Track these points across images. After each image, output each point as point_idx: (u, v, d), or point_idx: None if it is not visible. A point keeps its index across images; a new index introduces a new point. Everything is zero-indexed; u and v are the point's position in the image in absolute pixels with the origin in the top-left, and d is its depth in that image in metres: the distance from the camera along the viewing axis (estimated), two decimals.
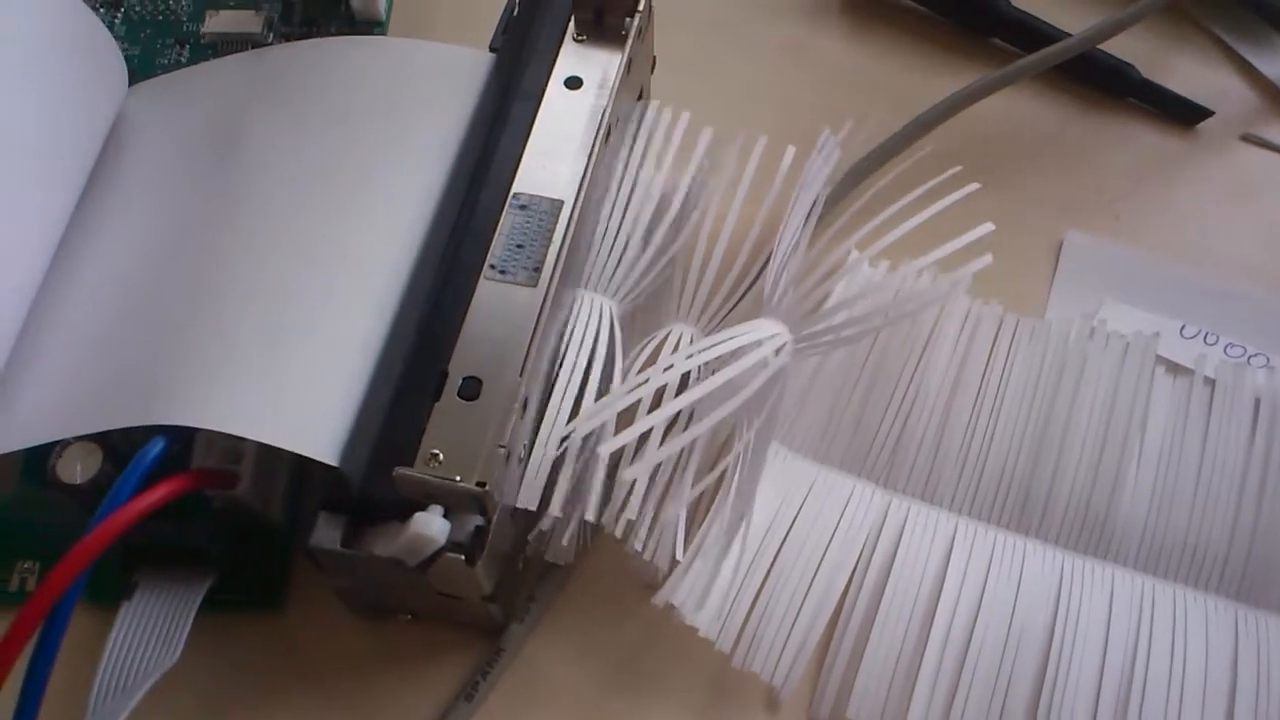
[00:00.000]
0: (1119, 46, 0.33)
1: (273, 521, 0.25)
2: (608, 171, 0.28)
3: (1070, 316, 0.30)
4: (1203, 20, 0.36)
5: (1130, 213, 0.33)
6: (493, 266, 0.24)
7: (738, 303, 0.27)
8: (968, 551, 0.27)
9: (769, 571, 0.27)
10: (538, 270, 0.24)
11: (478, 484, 0.21)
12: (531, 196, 0.25)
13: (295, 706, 0.26)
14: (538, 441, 0.24)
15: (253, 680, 0.26)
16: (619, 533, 0.24)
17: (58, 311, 0.26)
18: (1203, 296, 0.31)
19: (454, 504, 0.22)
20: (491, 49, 0.29)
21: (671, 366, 0.24)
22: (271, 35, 0.34)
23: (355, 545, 0.22)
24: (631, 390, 0.24)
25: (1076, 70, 0.34)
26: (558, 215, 0.25)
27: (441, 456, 0.22)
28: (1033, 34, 0.34)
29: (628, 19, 0.28)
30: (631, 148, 0.29)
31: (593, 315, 0.26)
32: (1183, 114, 0.34)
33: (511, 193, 0.26)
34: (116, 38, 0.33)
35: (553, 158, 0.26)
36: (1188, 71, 0.35)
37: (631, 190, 0.28)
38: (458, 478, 0.21)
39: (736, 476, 0.25)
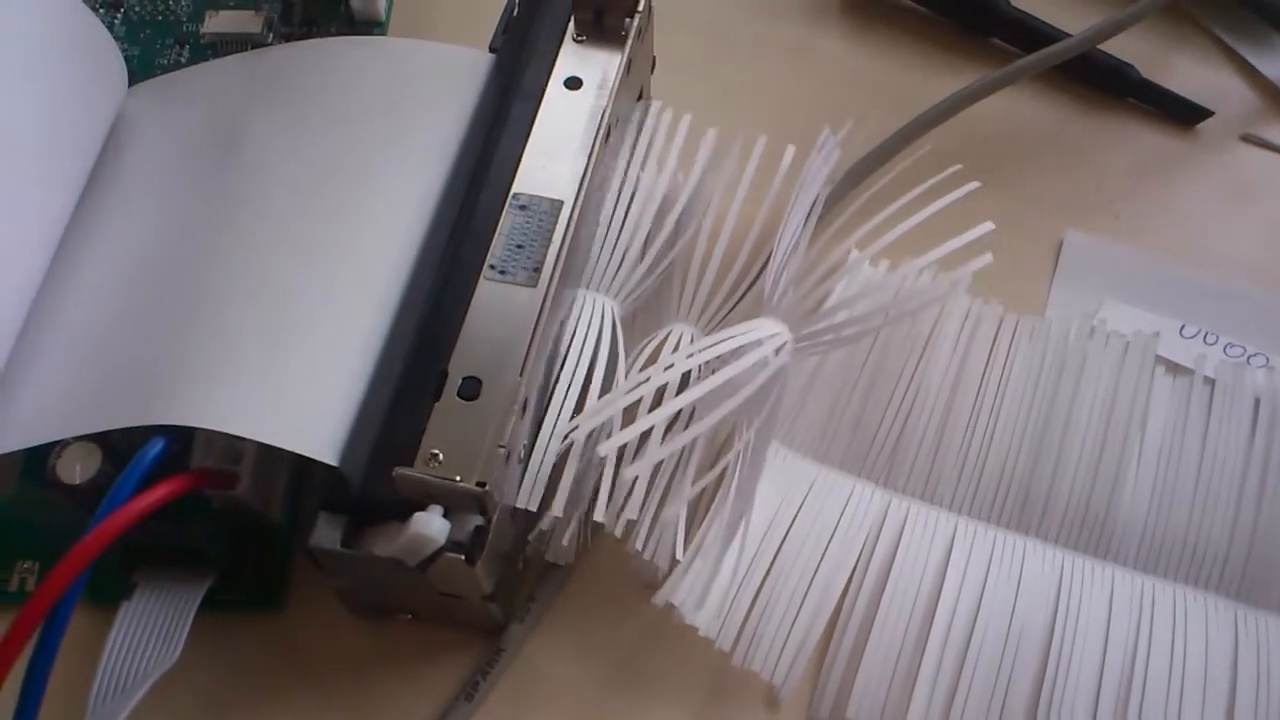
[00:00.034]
0: (1119, 46, 0.33)
1: (273, 521, 0.25)
2: (608, 172, 0.28)
3: (1070, 316, 0.30)
4: (1203, 20, 0.36)
5: (1130, 213, 0.33)
6: (492, 267, 0.24)
7: (738, 302, 0.27)
8: (968, 551, 0.27)
9: (769, 571, 0.27)
10: (537, 270, 0.24)
11: (478, 484, 0.21)
12: (531, 197, 0.25)
13: (295, 706, 0.26)
14: (538, 441, 0.24)
15: (253, 680, 0.26)
16: (619, 532, 0.24)
17: (57, 311, 0.26)
18: (1203, 296, 0.31)
19: (454, 504, 0.22)
20: (491, 49, 0.29)
21: (672, 366, 0.24)
22: (271, 35, 0.34)
23: (355, 545, 0.22)
24: (632, 389, 0.24)
25: (1076, 70, 0.34)
26: (558, 215, 0.25)
27: (441, 456, 0.22)
28: (1033, 34, 0.34)
29: (627, 19, 0.28)
30: (633, 148, 0.29)
31: (594, 315, 0.26)
32: (1183, 114, 0.34)
33: (511, 193, 0.26)
34: (116, 38, 0.33)
35: (553, 158, 0.26)
36: (1188, 71, 0.35)
37: (633, 191, 0.28)
38: (458, 478, 0.21)
39: (736, 476, 0.25)
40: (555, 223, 0.25)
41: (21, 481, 0.28)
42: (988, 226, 0.24)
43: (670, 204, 0.28)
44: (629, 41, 0.28)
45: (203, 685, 0.26)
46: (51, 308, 0.26)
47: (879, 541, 0.27)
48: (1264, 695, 0.25)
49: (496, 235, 0.25)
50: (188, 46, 0.34)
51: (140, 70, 0.33)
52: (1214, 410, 0.29)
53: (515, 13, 0.29)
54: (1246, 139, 0.34)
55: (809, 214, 0.27)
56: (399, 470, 0.21)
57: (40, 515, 0.27)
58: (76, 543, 0.20)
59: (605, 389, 0.25)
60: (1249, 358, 0.30)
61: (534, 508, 0.24)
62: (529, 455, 0.24)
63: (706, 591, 0.25)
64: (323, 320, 0.24)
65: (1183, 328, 0.31)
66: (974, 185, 0.26)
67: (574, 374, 0.25)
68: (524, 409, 0.23)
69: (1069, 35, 0.33)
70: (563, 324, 0.26)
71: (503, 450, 0.22)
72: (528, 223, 0.25)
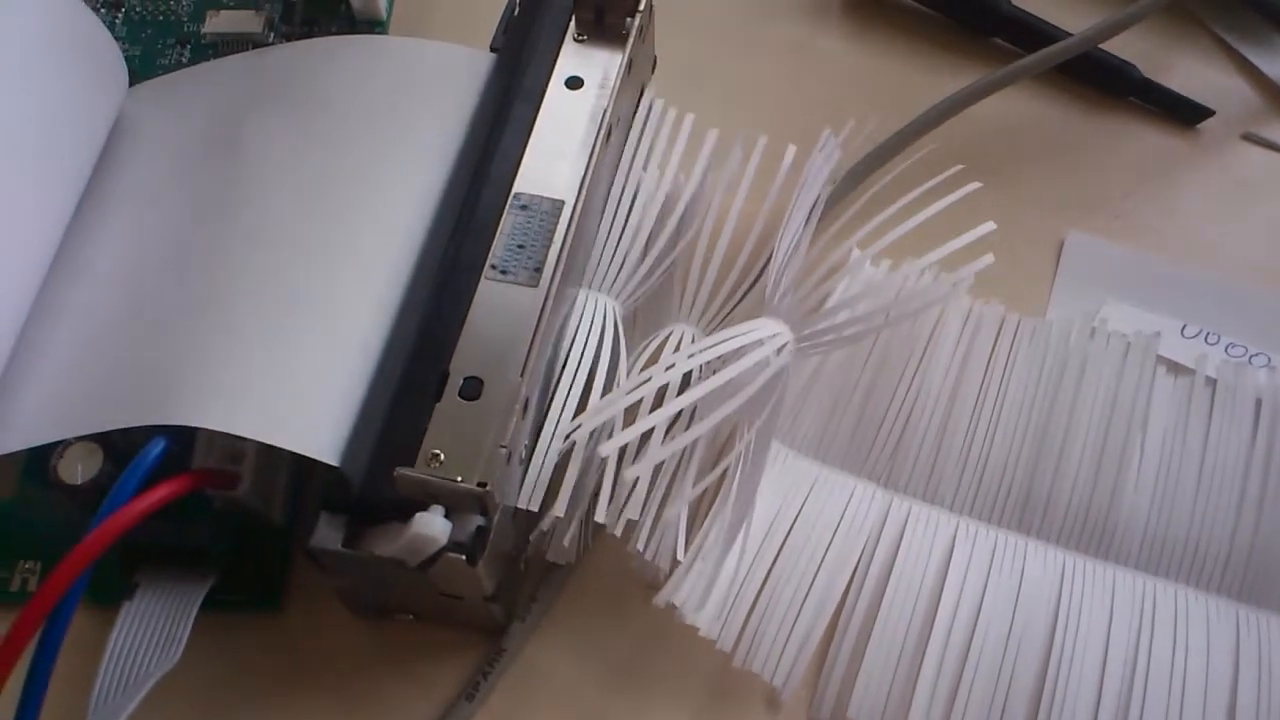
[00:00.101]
0: (1120, 46, 0.33)
1: (273, 522, 0.25)
2: (609, 172, 0.28)
3: (1071, 316, 0.30)
4: (1204, 20, 0.36)
5: (1131, 213, 0.33)
6: (494, 267, 0.24)
7: (739, 302, 0.27)
8: (969, 551, 0.27)
9: (770, 571, 0.27)
10: (539, 270, 0.24)
11: (479, 484, 0.21)
12: (532, 197, 0.25)
13: (295, 707, 0.26)
14: (539, 441, 0.24)
15: (253, 680, 0.26)
16: (620, 532, 0.24)
17: (58, 312, 0.26)
18: (1204, 296, 0.31)
19: (455, 504, 0.22)
20: (492, 49, 0.29)
21: (673, 366, 0.24)
22: (272, 35, 0.34)
23: (356, 545, 0.22)
24: (633, 390, 0.24)
25: (1077, 70, 0.34)
26: (559, 215, 0.25)
27: (442, 457, 0.22)
28: (1033, 34, 0.34)
29: (628, 19, 0.28)
30: (635, 148, 0.29)
31: (595, 315, 0.26)
32: (1184, 113, 0.34)
33: (512, 193, 0.26)
34: (117, 38, 0.33)
35: (554, 158, 0.26)
36: (1189, 71, 0.35)
37: (635, 191, 0.28)
38: (459, 478, 0.21)
39: (737, 476, 0.25)
40: (556, 223, 0.25)
41: (23, 482, 0.28)
42: (989, 227, 0.24)
43: (672, 204, 0.28)
44: (630, 41, 0.28)
45: (204, 685, 0.26)
46: (52, 308, 0.26)
47: (880, 542, 0.27)
48: (1265, 696, 0.25)
49: (498, 235, 0.25)
50: (189, 46, 0.34)
51: (141, 70, 0.33)
52: (1215, 410, 0.29)
53: (516, 12, 0.29)
54: (1248, 138, 0.34)
55: (810, 214, 0.27)
56: (400, 470, 0.21)
57: (42, 515, 0.27)
58: (78, 543, 0.20)
59: (607, 389, 0.25)
60: (1250, 358, 0.30)
61: (535, 508, 0.24)
62: (530, 455, 0.24)
63: (707, 592, 0.25)
64: (323, 320, 0.24)
65: (1184, 328, 0.31)
66: (975, 185, 0.26)
67: (575, 374, 0.25)
68: (525, 409, 0.23)
69: (1070, 35, 0.33)
70: (564, 324, 0.26)
71: (504, 450, 0.22)
72: (529, 222, 0.25)
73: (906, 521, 0.28)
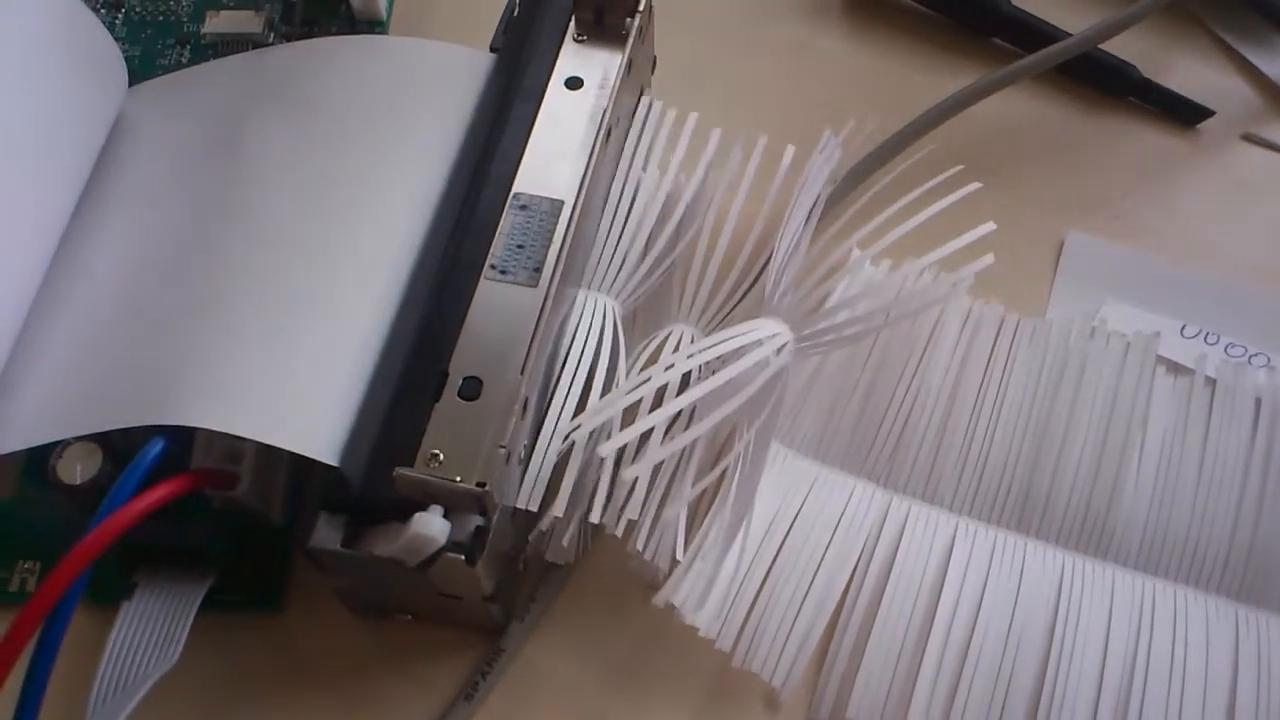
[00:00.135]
0: (1119, 46, 0.33)
1: (272, 522, 0.25)
2: (609, 172, 0.28)
3: (1071, 316, 0.30)
4: (1204, 20, 0.36)
5: (1131, 213, 0.33)
6: (493, 267, 0.24)
7: (739, 302, 0.27)
8: (968, 551, 0.27)
9: (769, 571, 0.27)
10: (538, 270, 0.24)
11: (478, 484, 0.21)
12: (532, 197, 0.25)
13: (295, 707, 0.26)
14: (539, 441, 0.24)
15: (253, 680, 0.26)
16: (619, 532, 0.24)
17: (58, 312, 0.26)
18: (1203, 296, 0.31)
19: (454, 504, 0.22)
20: (492, 49, 0.29)
21: (672, 366, 0.24)
22: (272, 35, 0.34)
23: (355, 545, 0.22)
24: (633, 390, 0.24)
25: (1077, 70, 0.34)
26: (558, 215, 0.25)
27: (441, 457, 0.22)
28: (1033, 34, 0.34)
29: (628, 19, 0.28)
30: (636, 148, 0.29)
31: (595, 315, 0.26)
32: (1183, 114, 0.34)
33: (512, 193, 0.26)
34: (117, 38, 0.33)
35: (553, 158, 0.26)
36: (1188, 71, 0.35)
37: (635, 191, 0.28)
38: (458, 478, 0.21)
39: (737, 476, 0.25)
40: (556, 223, 0.25)
41: (22, 482, 0.28)
42: (989, 227, 0.24)
43: (671, 204, 0.28)
44: (630, 41, 0.28)
45: (203, 685, 0.26)
46: (52, 308, 0.26)
47: (879, 542, 0.27)
48: (1265, 696, 0.25)
49: (497, 235, 0.25)
50: (188, 47, 0.34)
51: (141, 70, 0.33)
52: (1215, 410, 0.29)
53: (516, 12, 0.29)
54: (1248, 138, 0.34)
55: (810, 214, 0.27)
56: (399, 470, 0.21)
57: (41, 515, 0.27)
58: (77, 543, 0.20)
59: (606, 389, 0.25)
60: (1250, 357, 0.30)
61: (534, 508, 0.24)
62: (529, 455, 0.24)
63: (707, 592, 0.25)
64: (323, 320, 0.24)
65: (1184, 328, 0.31)
66: (975, 186, 0.26)
67: (575, 374, 0.25)
68: (524, 409, 0.23)
69: (1070, 35, 0.33)
70: (563, 324, 0.26)
71: (503, 450, 0.22)
72: (528, 222, 0.25)
73: (906, 521, 0.28)
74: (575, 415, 0.25)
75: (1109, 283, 0.32)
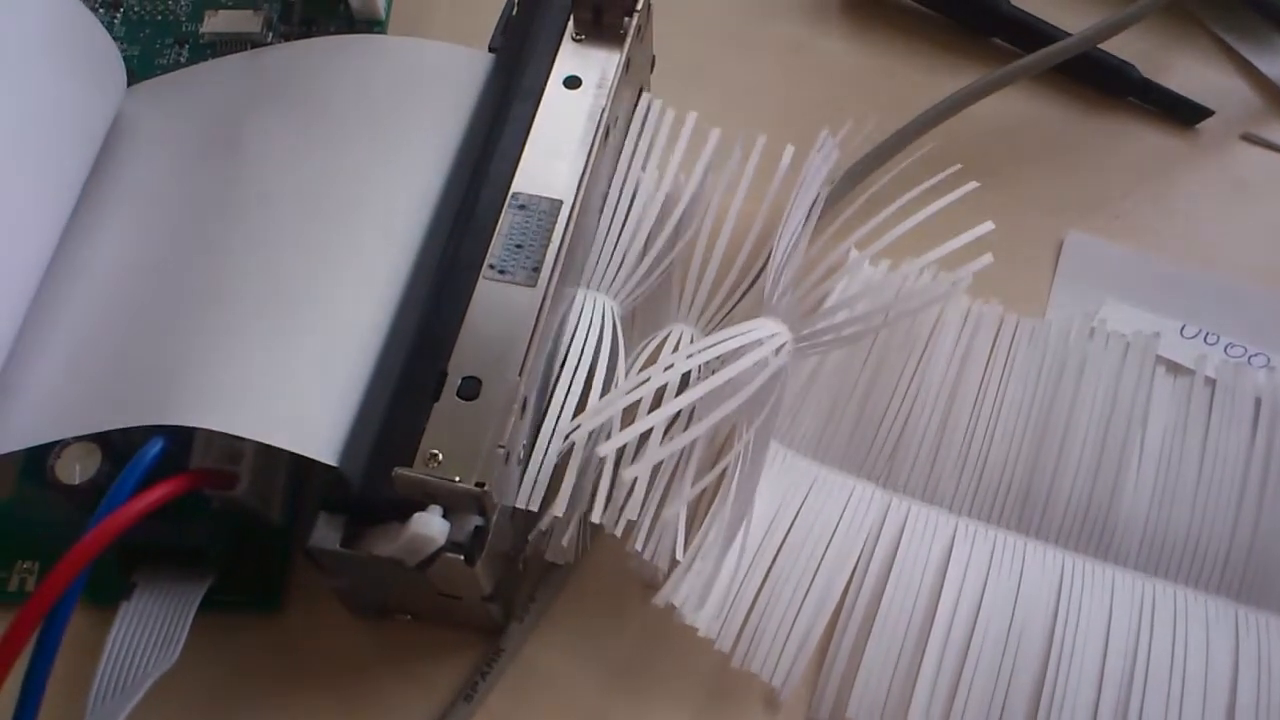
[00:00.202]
0: (1119, 46, 0.33)
1: (272, 522, 0.25)
2: (608, 171, 0.28)
3: (1070, 316, 0.30)
4: (1203, 20, 0.36)
5: (1130, 213, 0.33)
6: (492, 266, 0.24)
7: (738, 302, 0.27)
8: (968, 551, 0.27)
9: (769, 571, 0.27)
10: (537, 270, 0.24)
11: (477, 484, 0.21)
12: (531, 196, 0.25)
13: (295, 707, 0.26)
14: (538, 441, 0.24)
15: (252, 680, 0.26)
16: (619, 532, 0.24)
17: (57, 312, 0.26)
18: (1203, 296, 0.31)
19: (453, 504, 0.22)
20: (491, 49, 0.29)
21: (672, 366, 0.24)
22: (271, 35, 0.34)
23: (355, 545, 0.22)
24: (632, 390, 0.24)
25: (1076, 70, 0.34)
26: (557, 215, 0.25)
27: (440, 456, 0.22)
28: (1033, 34, 0.34)
29: (626, 18, 0.28)
30: (635, 147, 0.29)
31: (594, 315, 0.26)
32: (1183, 114, 0.34)
33: (510, 192, 0.25)
34: (116, 38, 0.33)
35: (552, 157, 0.26)
36: (1188, 71, 0.35)
37: (635, 190, 0.28)
38: (457, 478, 0.21)
39: (736, 476, 0.25)
40: (555, 222, 0.25)
41: (21, 481, 0.28)
42: (988, 226, 0.24)
43: (670, 204, 0.28)
44: (628, 40, 0.28)
45: (203, 685, 0.26)
46: (50, 308, 0.26)
47: (879, 542, 0.27)
48: (1265, 696, 0.25)
49: (496, 235, 0.25)
50: (187, 46, 0.34)
51: (140, 70, 0.33)
52: (1215, 410, 0.29)
53: (514, 12, 0.29)
54: (1247, 138, 0.34)
55: (809, 214, 0.27)
56: (398, 470, 0.21)
57: (40, 515, 0.27)
58: (76, 543, 0.20)
59: (605, 389, 0.25)
60: (1250, 358, 0.30)
61: (534, 508, 0.24)
62: (529, 455, 0.24)
63: (706, 592, 0.25)
64: (322, 320, 0.24)
65: (1183, 328, 0.31)
66: (973, 185, 0.26)
67: (574, 374, 0.25)
68: (523, 409, 0.23)
69: (1069, 35, 0.33)
70: (562, 323, 0.26)
71: (502, 450, 0.22)
72: (527, 222, 0.25)
73: (906, 521, 0.28)
74: (575, 415, 0.25)
75: (1109, 283, 0.32)
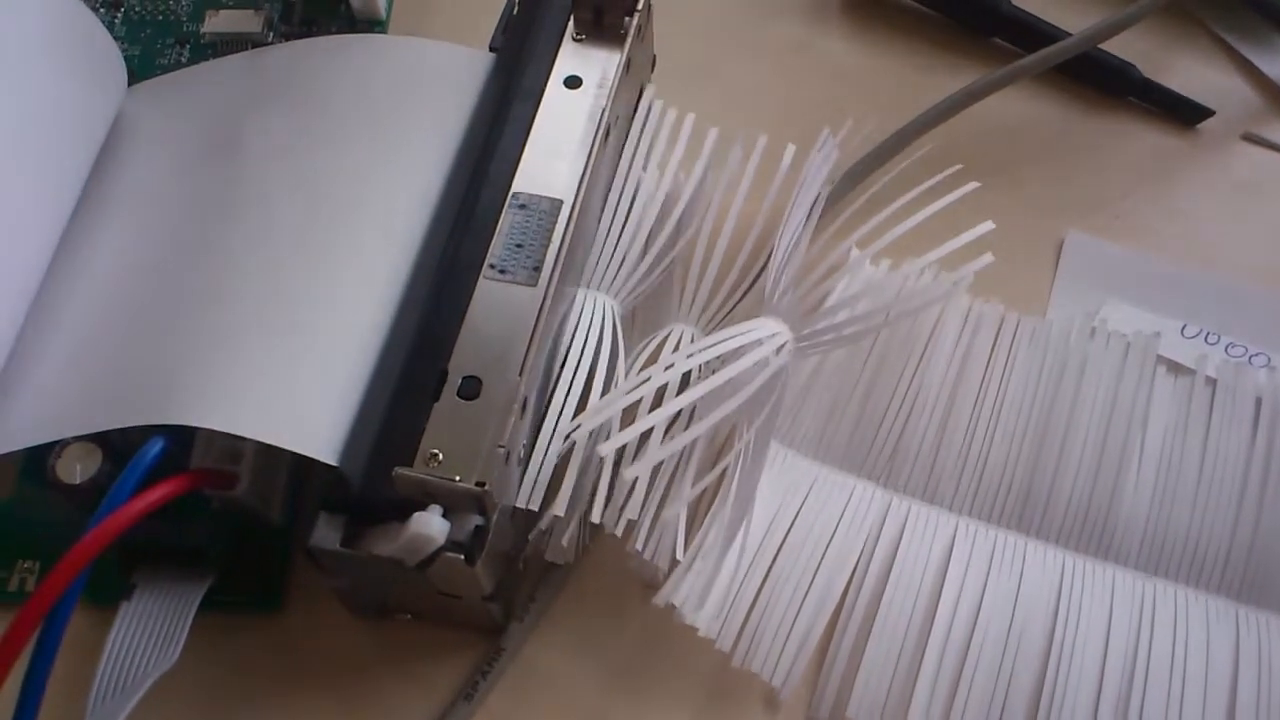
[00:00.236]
0: (1119, 46, 0.33)
1: (272, 522, 0.25)
2: (608, 171, 0.28)
3: (1071, 316, 0.30)
4: (1204, 20, 0.36)
5: (1131, 213, 0.33)
6: (492, 266, 0.24)
7: (738, 302, 0.27)
8: (968, 551, 0.27)
9: (769, 571, 0.27)
10: (537, 270, 0.24)
11: (477, 484, 0.21)
12: (531, 196, 0.25)
13: (295, 706, 0.26)
14: (538, 441, 0.24)
15: (253, 680, 0.26)
16: (619, 532, 0.24)
17: (56, 312, 0.26)
18: (1204, 296, 0.31)
19: (453, 504, 0.22)
20: (491, 49, 0.29)
21: (672, 365, 0.24)
22: (271, 35, 0.34)
23: (355, 545, 0.22)
24: (632, 389, 0.24)
25: (1077, 70, 0.34)
26: (557, 215, 0.25)
27: (441, 456, 0.22)
28: (1033, 34, 0.34)
29: (627, 18, 0.28)
30: (635, 147, 0.29)
31: (594, 314, 0.26)
32: (1184, 113, 0.34)
33: (511, 192, 0.25)
34: (116, 38, 0.33)
35: (552, 157, 0.26)
36: (1189, 71, 0.35)
37: (635, 190, 0.28)
38: (457, 477, 0.21)
39: (737, 476, 0.25)
40: (555, 222, 0.25)
41: (22, 481, 0.28)
42: (988, 226, 0.24)
43: (671, 203, 0.28)
44: (628, 40, 0.28)
45: (203, 685, 0.26)
46: (51, 308, 0.26)
47: (879, 542, 0.27)
48: (1265, 696, 0.25)
49: (496, 234, 0.25)
50: (188, 46, 0.34)
51: (140, 70, 0.33)
52: (1215, 410, 0.29)
53: (515, 12, 0.29)
54: (1248, 138, 0.34)
55: (809, 213, 0.27)
56: (398, 470, 0.21)
57: (40, 515, 0.27)
58: (76, 543, 0.20)
59: (605, 388, 0.25)
60: (1250, 357, 0.30)
61: (535, 507, 0.24)
62: (529, 455, 0.24)
63: (707, 592, 0.25)
64: (322, 319, 0.24)
65: (1184, 328, 0.31)
66: (973, 185, 0.26)
67: (574, 373, 0.25)
68: (524, 409, 0.23)
69: (1069, 35, 0.33)
70: (563, 323, 0.26)
71: (502, 450, 0.22)
72: (527, 222, 0.25)
73: (906, 521, 0.28)
74: (575, 414, 0.25)
75: (1109, 283, 0.32)
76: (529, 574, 0.27)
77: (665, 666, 0.26)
